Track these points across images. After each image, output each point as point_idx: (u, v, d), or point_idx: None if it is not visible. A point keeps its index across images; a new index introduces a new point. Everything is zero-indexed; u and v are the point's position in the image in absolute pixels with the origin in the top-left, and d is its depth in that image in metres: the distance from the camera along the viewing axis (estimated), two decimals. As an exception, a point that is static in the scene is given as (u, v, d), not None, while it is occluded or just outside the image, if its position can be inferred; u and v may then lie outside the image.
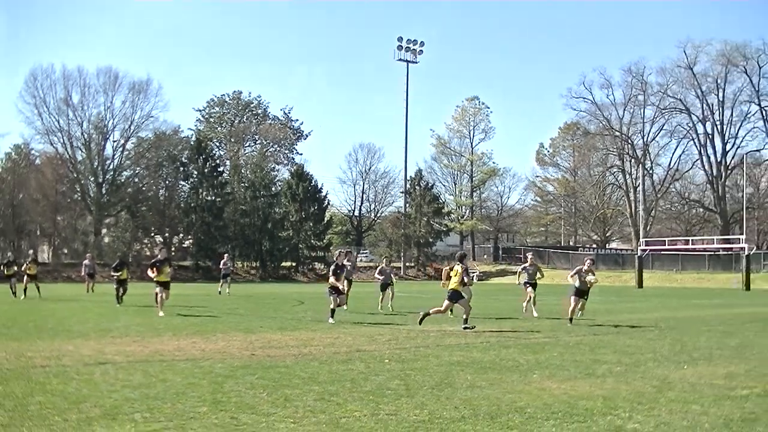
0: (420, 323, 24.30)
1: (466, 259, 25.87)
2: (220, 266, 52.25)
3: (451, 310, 25.43)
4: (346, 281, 31.19)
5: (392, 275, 35.37)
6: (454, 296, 23.84)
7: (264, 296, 48.09)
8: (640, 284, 78.31)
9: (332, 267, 27.61)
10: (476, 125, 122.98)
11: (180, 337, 21.29)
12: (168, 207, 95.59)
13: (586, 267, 26.11)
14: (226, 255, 55.48)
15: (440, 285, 25.91)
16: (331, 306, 26.37)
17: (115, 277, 36.61)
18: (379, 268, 35.42)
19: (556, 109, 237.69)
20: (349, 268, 32.73)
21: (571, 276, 26.48)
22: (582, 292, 25.97)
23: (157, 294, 30.44)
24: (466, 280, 23.82)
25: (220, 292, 48.44)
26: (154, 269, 30.51)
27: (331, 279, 26.93)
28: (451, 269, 24.69)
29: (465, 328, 23.45)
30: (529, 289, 29.49)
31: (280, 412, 10.75)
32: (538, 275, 30.02)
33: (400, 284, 51.24)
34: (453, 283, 23.93)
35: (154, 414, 10.53)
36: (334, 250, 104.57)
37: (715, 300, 45.82)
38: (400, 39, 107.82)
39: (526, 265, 30.43)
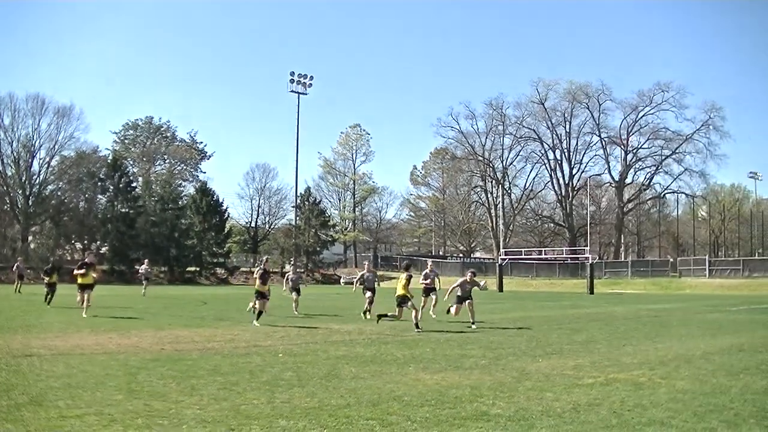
0: (377, 320, 24.89)
1: (412, 268, 25.19)
2: (140, 271, 51.10)
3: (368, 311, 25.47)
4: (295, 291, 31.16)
5: (300, 281, 35.19)
6: (403, 301, 23.29)
7: (172, 297, 47.50)
8: (500, 289, 78.82)
9: (259, 272, 26.01)
10: (358, 149, 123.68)
11: (98, 333, 20.98)
12: (87, 217, 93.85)
13: (468, 278, 25.73)
14: (146, 261, 54.24)
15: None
16: (257, 308, 25.32)
17: (46, 281, 34.87)
18: (286, 276, 34.98)
19: (428, 136, 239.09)
20: (294, 278, 31.87)
21: (456, 286, 25.78)
22: (463, 299, 25.31)
23: (80, 296, 28.47)
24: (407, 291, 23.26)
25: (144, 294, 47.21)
26: (83, 270, 28.65)
27: (258, 283, 25.46)
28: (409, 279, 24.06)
29: (417, 328, 22.68)
30: (431, 296, 28.98)
31: (187, 400, 10.68)
32: (436, 282, 29.55)
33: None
34: (400, 289, 23.45)
35: (75, 401, 10.38)
36: (232, 257, 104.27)
37: (564, 302, 46.36)
38: (292, 73, 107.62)
39: (427, 271, 29.96)
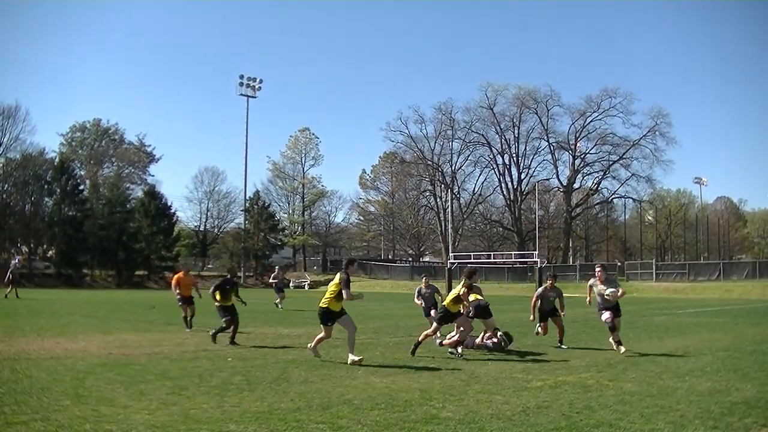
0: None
1: (354, 265, 17.26)
2: (271, 279, 44.04)
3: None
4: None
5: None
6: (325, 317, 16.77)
7: (120, 301, 47.13)
8: (448, 289, 78.98)
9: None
10: (307, 153, 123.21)
11: (44, 337, 20.80)
12: (33, 220, 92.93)
13: (548, 286, 21.03)
14: (277, 267, 49.75)
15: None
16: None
17: (219, 304, 20.54)
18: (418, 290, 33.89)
19: (377, 140, 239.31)
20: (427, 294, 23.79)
21: (536, 299, 21.15)
22: (547, 314, 21.09)
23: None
24: (345, 295, 15.95)
25: (277, 305, 39.30)
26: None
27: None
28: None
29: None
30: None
31: (136, 405, 10.63)
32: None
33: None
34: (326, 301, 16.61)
35: (21, 407, 10.28)
36: (181, 260, 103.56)
37: (513, 306, 46.41)
38: (241, 76, 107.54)
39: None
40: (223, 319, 20.10)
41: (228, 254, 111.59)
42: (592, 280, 19.25)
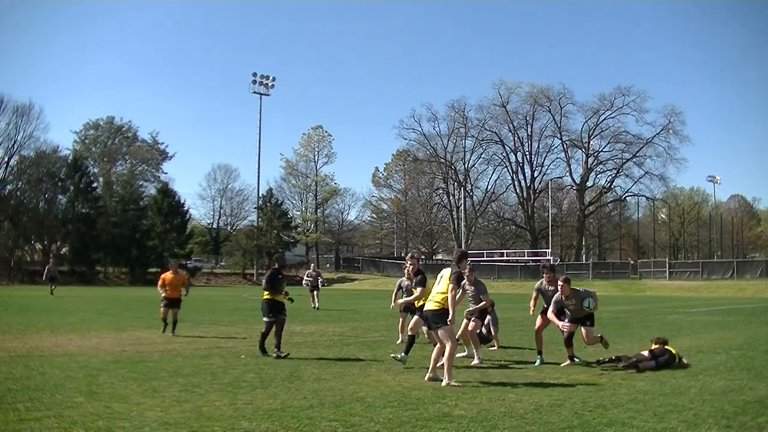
0: None
1: (467, 260, 15.31)
2: (305, 277, 40.60)
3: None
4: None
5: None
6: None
7: (133, 299, 47.17)
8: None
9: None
10: (320, 151, 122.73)
11: (58, 334, 20.85)
12: (47, 218, 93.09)
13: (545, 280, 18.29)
14: (312, 265, 46.13)
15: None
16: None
17: (266, 300, 17.59)
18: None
19: (390, 138, 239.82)
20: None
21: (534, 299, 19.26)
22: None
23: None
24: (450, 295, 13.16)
25: (317, 307, 37.22)
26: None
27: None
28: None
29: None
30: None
31: (149, 402, 10.64)
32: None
33: (253, 288, 50.43)
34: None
35: (34, 404, 10.30)
36: (194, 258, 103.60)
37: (526, 304, 46.01)
38: (254, 74, 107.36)
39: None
40: (264, 318, 17.47)
41: (241, 252, 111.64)
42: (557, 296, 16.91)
